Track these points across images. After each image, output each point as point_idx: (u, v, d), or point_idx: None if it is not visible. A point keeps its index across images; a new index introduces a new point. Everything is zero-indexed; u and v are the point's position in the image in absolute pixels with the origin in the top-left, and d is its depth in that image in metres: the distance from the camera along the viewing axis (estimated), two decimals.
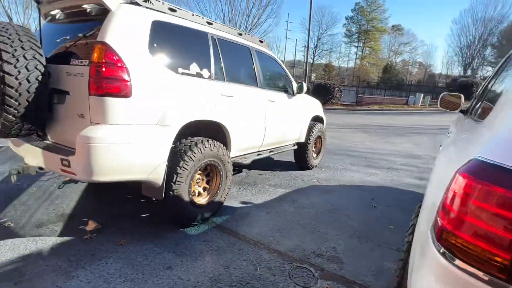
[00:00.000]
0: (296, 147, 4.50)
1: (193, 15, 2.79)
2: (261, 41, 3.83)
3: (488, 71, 47.43)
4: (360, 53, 50.22)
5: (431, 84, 35.79)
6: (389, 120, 13.95)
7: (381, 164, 5.72)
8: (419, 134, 9.76)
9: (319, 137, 5.01)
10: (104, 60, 2.00)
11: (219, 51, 2.97)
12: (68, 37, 2.41)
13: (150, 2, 2.38)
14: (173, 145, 2.45)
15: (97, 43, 2.03)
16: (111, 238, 2.43)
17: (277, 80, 4.07)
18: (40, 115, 2.10)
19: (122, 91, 2.06)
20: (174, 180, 2.42)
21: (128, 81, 2.09)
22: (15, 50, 1.89)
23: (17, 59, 1.89)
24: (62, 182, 3.23)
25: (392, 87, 29.93)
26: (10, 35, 1.91)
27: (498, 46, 44.52)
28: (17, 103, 1.92)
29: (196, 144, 2.55)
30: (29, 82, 1.94)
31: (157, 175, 2.34)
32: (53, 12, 2.62)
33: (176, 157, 2.45)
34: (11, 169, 2.33)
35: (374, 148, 7.28)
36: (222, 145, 2.83)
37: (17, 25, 2.05)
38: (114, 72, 2.03)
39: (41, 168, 2.38)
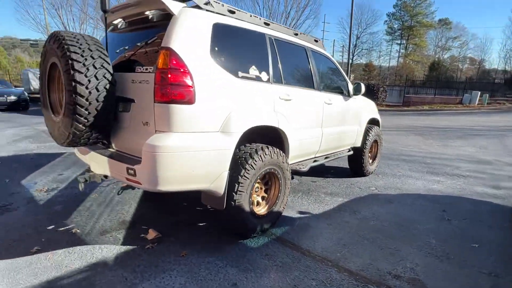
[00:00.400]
0: (351, 152, 4.20)
1: (250, 16, 2.67)
2: (316, 40, 3.62)
3: None
4: (403, 50, 47.52)
5: (485, 81, 32.67)
6: (443, 121, 12.83)
7: (445, 171, 5.17)
8: (482, 136, 8.79)
9: (375, 141, 4.64)
10: (169, 66, 1.93)
11: (277, 53, 2.82)
12: (131, 45, 2.42)
13: (211, 4, 2.30)
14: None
15: (162, 48, 1.97)
16: (172, 248, 2.37)
17: (333, 81, 3.82)
18: (107, 123, 2.10)
19: (186, 97, 1.98)
20: (235, 190, 2.30)
21: (192, 87, 2.00)
22: (86, 59, 1.90)
23: (87, 68, 1.89)
24: (121, 188, 3.28)
25: (440, 85, 27.70)
26: (80, 44, 1.93)
27: None
28: (87, 112, 1.92)
29: (256, 151, 2.41)
30: (98, 91, 1.93)
31: (219, 184, 2.23)
32: (115, 22, 2.65)
33: (236, 165, 2.32)
34: (79, 178, 2.37)
35: (432, 152, 6.66)
36: (281, 152, 2.66)
37: (86, 35, 2.07)
38: (179, 78, 1.95)
39: (106, 176, 2.39)
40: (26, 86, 16.18)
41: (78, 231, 2.57)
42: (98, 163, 2.35)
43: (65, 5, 17.59)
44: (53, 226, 2.62)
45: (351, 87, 3.99)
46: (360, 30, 45.16)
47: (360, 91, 3.93)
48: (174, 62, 1.95)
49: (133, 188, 3.13)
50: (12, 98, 11.89)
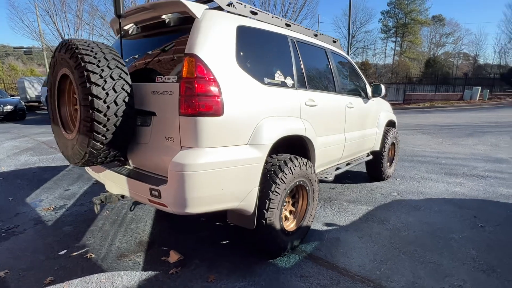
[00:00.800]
0: (371, 157, 4.02)
1: (272, 17, 2.48)
2: (334, 41, 3.44)
3: None
4: (398, 48, 47.61)
5: (481, 76, 32.69)
6: (447, 118, 12.70)
7: (462, 171, 5.01)
8: (491, 133, 8.66)
9: (393, 144, 4.47)
10: (195, 75, 1.74)
11: (299, 55, 2.64)
12: (145, 53, 2.22)
13: (233, 5, 2.11)
14: None
15: (186, 55, 1.78)
16: (197, 272, 2.17)
17: (352, 83, 3.65)
18: (127, 140, 1.90)
19: (214, 109, 1.79)
20: (266, 207, 2.10)
21: (219, 96, 1.81)
22: (102, 70, 1.70)
23: (105, 80, 1.69)
24: (132, 203, 3.07)
25: (438, 81, 27.58)
26: (96, 53, 1.73)
27: None
28: (105, 129, 1.72)
29: (285, 163, 2.22)
30: (116, 104, 1.73)
31: (249, 202, 2.04)
32: (126, 27, 2.46)
33: (266, 180, 2.13)
34: (95, 199, 2.16)
35: (444, 151, 6.50)
36: (309, 162, 2.48)
37: (99, 42, 1.87)
38: (206, 88, 1.76)
39: (123, 197, 2.19)
40: (22, 95, 15.89)
41: (93, 255, 2.36)
42: (114, 182, 2.14)
43: (59, 12, 17.28)
44: (65, 251, 2.41)
45: (369, 88, 3.82)
46: (355, 29, 45.18)
47: (379, 93, 3.76)
48: (200, 70, 1.76)
49: (118, 200, 2.84)
50: (9, 107, 11.59)
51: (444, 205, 3.54)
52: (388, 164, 4.46)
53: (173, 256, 2.33)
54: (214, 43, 1.89)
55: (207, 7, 1.99)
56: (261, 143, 2.05)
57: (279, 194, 2.15)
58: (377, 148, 4.09)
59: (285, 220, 2.45)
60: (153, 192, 1.81)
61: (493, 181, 4.50)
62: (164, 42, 2.18)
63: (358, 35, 46.10)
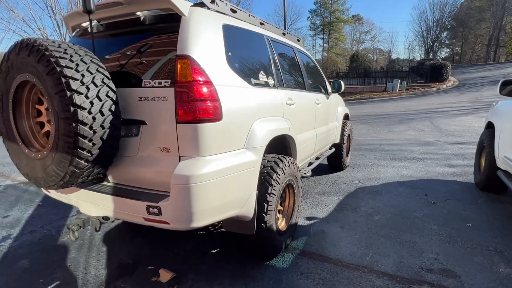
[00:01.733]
0: (333, 149, 4.26)
1: (249, 15, 2.43)
2: (298, 40, 3.53)
3: (446, 53, 50.49)
4: (326, 45, 51.21)
5: (394, 70, 37.20)
6: (377, 108, 14.16)
7: (404, 155, 5.65)
8: (416, 120, 9.92)
9: (349, 135, 4.81)
10: (193, 78, 1.61)
11: (275, 55, 2.64)
12: (116, 54, 1.97)
13: (216, 3, 2.00)
14: None
15: (179, 57, 1.62)
16: (197, 287, 2.04)
17: (316, 80, 3.79)
18: (113, 154, 1.66)
19: (214, 114, 1.68)
20: (265, 210, 2.07)
21: (218, 100, 1.71)
22: (83, 75, 1.45)
23: (87, 87, 1.45)
24: (97, 222, 2.72)
25: (362, 75, 30.50)
26: (71, 56, 1.46)
27: (451, 29, 47.47)
28: (91, 144, 1.48)
29: (277, 164, 2.21)
30: (103, 115, 1.50)
31: (249, 207, 1.98)
32: (84, 24, 2.15)
33: (262, 183, 2.09)
34: (70, 224, 1.86)
35: (384, 139, 7.24)
36: (294, 160, 2.51)
37: (69, 42, 1.59)
38: (205, 92, 1.64)
39: (105, 218, 1.93)
40: None
41: None
42: (94, 203, 1.86)
43: None
44: None
45: (328, 85, 4.03)
46: (286, 28, 47.08)
47: (339, 89, 3.98)
48: (197, 73, 1.63)
49: (108, 218, 2.50)
50: None
51: (399, 188, 3.95)
52: (346, 155, 4.78)
53: (165, 275, 2.14)
54: (205, 43, 1.76)
55: (191, 4, 1.85)
56: (256, 146, 2.00)
57: (275, 195, 2.14)
58: (337, 141, 4.35)
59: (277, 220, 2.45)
60: (150, 209, 1.63)
61: (429, 162, 5.18)
62: (134, 41, 1.97)
63: (290, 32, 48.15)
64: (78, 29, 2.25)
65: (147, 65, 1.82)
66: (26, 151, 1.65)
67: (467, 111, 11.93)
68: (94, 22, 2.09)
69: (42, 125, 1.73)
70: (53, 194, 2.11)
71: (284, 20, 18.62)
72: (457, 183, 4.12)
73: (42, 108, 1.70)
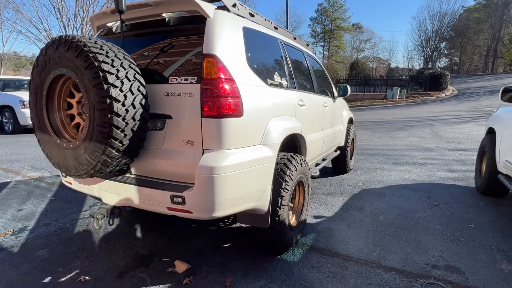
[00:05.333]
0: (338, 152, 4.36)
1: (265, 20, 2.55)
2: (307, 45, 3.66)
3: (445, 62, 51.06)
4: (326, 52, 51.74)
5: (394, 78, 37.56)
6: (378, 115, 14.33)
7: (406, 160, 5.76)
8: (416, 127, 10.07)
9: (353, 139, 4.92)
10: (218, 76, 1.71)
11: (288, 58, 2.76)
12: (147, 52, 2.08)
13: (237, 7, 2.12)
14: None
15: (205, 56, 1.73)
16: (212, 278, 2.11)
17: (323, 84, 3.91)
18: (140, 146, 1.75)
19: (236, 110, 1.78)
20: (279, 204, 2.16)
21: (240, 97, 1.81)
22: (118, 70, 1.55)
23: (122, 81, 1.55)
24: (109, 215, 2.78)
25: (362, 83, 30.80)
26: (107, 52, 1.57)
27: (449, 39, 48.11)
28: (123, 135, 1.57)
29: (290, 161, 2.31)
30: (134, 108, 1.60)
31: (264, 201, 2.07)
32: (109, 24, 2.26)
33: (276, 178, 2.19)
34: (95, 213, 1.94)
35: (385, 144, 7.36)
36: (305, 158, 2.61)
37: (105, 41, 1.70)
38: (228, 89, 1.75)
39: (124, 208, 2.01)
40: None
41: (87, 278, 2.10)
42: (116, 193, 1.95)
43: None
44: (50, 278, 2.09)
45: (334, 89, 4.15)
46: None
47: (345, 93, 4.10)
48: (222, 71, 1.74)
49: (121, 211, 2.53)
50: None
51: (403, 190, 4.05)
52: (350, 158, 4.88)
53: (180, 266, 2.22)
54: (228, 44, 1.87)
55: (215, 6, 1.96)
56: (272, 142, 2.10)
57: (288, 190, 2.23)
58: (342, 144, 4.46)
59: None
60: (175, 199, 1.72)
61: (431, 167, 5.29)
62: (157, 41, 2.08)
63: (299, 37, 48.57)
64: (102, 29, 2.36)
65: (172, 63, 1.92)
66: (58, 141, 1.74)
67: (466, 119, 12.10)
68: (119, 22, 2.20)
69: (72, 117, 1.83)
70: (75, 185, 2.19)
71: (287, 27, 18.88)
72: (458, 187, 4.22)
73: (73, 101, 1.79)
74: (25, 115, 8.37)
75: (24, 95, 8.54)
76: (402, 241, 2.67)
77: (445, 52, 51.33)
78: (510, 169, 3.14)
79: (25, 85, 10.01)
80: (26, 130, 8.67)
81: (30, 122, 8.15)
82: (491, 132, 3.84)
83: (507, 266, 2.30)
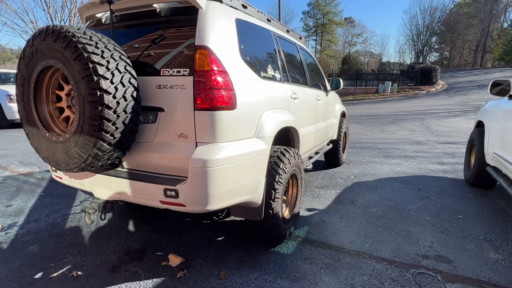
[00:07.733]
0: (331, 145, 4.39)
1: (258, 11, 2.52)
2: (300, 38, 3.64)
3: (435, 57, 51.61)
4: (318, 46, 51.69)
5: (385, 72, 37.83)
6: (370, 109, 14.44)
7: (397, 153, 5.84)
8: (407, 121, 10.19)
9: (345, 133, 4.95)
10: (211, 68, 1.69)
11: (281, 50, 2.74)
12: (137, 44, 2.04)
13: None
14: None
15: (198, 48, 1.71)
16: (206, 271, 2.12)
17: (316, 77, 3.91)
18: (132, 139, 1.73)
19: (230, 102, 1.77)
20: (273, 197, 2.17)
21: (233, 90, 1.80)
22: (108, 62, 1.52)
23: (112, 73, 1.52)
24: (101, 209, 2.74)
25: (357, 77, 30.91)
26: (97, 43, 1.53)
27: (440, 34, 48.57)
28: (114, 128, 1.55)
29: (283, 154, 2.31)
30: (125, 100, 1.57)
31: (258, 194, 2.07)
32: (99, 15, 2.21)
33: (269, 171, 2.19)
34: (86, 208, 1.91)
35: (377, 138, 7.44)
36: (298, 151, 2.62)
37: (94, 32, 1.65)
38: (222, 81, 1.73)
39: (116, 202, 1.99)
40: None
41: (79, 273, 2.08)
42: (108, 187, 1.93)
43: None
44: (41, 273, 2.06)
45: (327, 82, 4.15)
46: None
47: (338, 87, 4.11)
48: (214, 63, 1.72)
49: (112, 206, 2.49)
50: None
51: (394, 183, 4.11)
52: (342, 151, 4.92)
53: (174, 260, 2.22)
54: (221, 35, 1.85)
55: None
56: (265, 135, 2.10)
57: (282, 184, 2.24)
58: (335, 137, 4.48)
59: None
60: (168, 192, 1.70)
61: (421, 160, 5.37)
62: (148, 32, 2.05)
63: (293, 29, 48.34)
64: (91, 20, 2.30)
65: (163, 55, 1.89)
66: (47, 134, 1.70)
67: (456, 113, 12.29)
68: (109, 13, 2.15)
69: (61, 110, 1.79)
70: (66, 180, 2.16)
71: (279, 20, 18.75)
72: (447, 179, 4.30)
73: (62, 94, 1.75)
74: (12, 110, 8.18)
75: (11, 89, 8.33)
76: (394, 233, 2.72)
77: (436, 46, 51.86)
78: (498, 161, 3.21)
79: (12, 79, 9.75)
80: (13, 125, 8.46)
81: (17, 116, 8.03)
82: (480, 126, 3.91)
83: (494, 255, 2.37)
